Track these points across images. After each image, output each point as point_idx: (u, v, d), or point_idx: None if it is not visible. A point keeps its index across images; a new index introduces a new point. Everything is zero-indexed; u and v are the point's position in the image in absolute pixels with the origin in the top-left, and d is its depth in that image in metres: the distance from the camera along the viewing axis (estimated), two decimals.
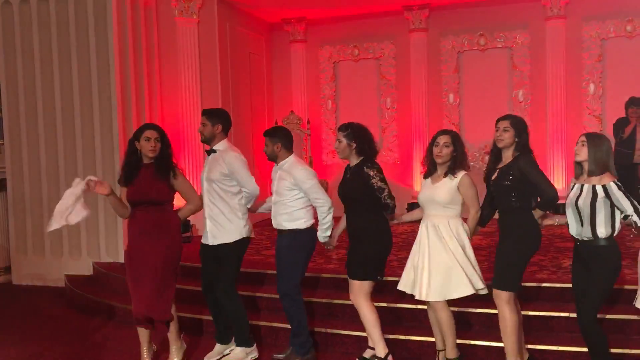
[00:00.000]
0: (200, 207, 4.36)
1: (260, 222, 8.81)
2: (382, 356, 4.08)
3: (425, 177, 4.05)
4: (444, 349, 4.04)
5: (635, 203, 3.50)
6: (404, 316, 4.76)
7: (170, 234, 4.18)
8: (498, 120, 3.86)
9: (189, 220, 4.72)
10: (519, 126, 3.81)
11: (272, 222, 4.40)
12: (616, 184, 3.52)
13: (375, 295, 4.26)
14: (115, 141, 6.98)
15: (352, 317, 4.52)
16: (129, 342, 5.06)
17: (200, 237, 4.58)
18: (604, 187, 3.53)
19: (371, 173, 4.00)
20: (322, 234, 4.31)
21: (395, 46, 9.38)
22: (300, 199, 4.26)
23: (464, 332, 4.36)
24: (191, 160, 8.00)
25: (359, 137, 4.10)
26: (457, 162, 3.90)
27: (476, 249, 4.06)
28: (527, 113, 8.59)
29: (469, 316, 4.56)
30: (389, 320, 4.60)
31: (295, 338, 4.35)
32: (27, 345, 5.17)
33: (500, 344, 3.88)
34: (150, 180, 4.10)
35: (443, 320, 3.92)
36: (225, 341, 4.59)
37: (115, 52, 6.96)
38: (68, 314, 6.18)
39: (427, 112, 9.21)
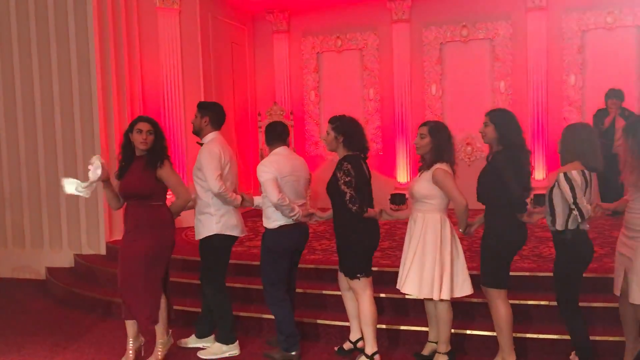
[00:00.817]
0: (188, 200, 4.26)
1: (243, 213, 8.80)
2: (370, 354, 4.02)
3: (420, 170, 4.03)
4: (436, 342, 4.07)
5: (579, 197, 3.51)
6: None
7: (159, 230, 4.12)
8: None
9: None
10: (498, 120, 3.78)
11: None
12: (571, 174, 3.54)
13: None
14: (95, 132, 6.91)
15: (337, 308, 4.53)
16: (110, 334, 5.04)
17: (186, 228, 4.58)
18: (558, 175, 3.60)
19: (338, 175, 3.94)
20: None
21: (378, 37, 9.38)
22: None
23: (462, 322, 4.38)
24: (174, 152, 7.94)
25: (347, 130, 4.04)
26: (435, 154, 3.85)
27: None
28: (509, 104, 8.63)
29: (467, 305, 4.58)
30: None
31: (278, 334, 4.29)
32: (8, 338, 5.12)
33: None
34: (139, 172, 4.08)
35: (439, 315, 3.94)
36: (199, 334, 4.60)
37: (96, 42, 6.87)
38: (49, 307, 6.13)
39: (410, 103, 9.25)
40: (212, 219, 4.29)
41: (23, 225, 7.31)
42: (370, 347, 4.02)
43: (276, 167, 4.16)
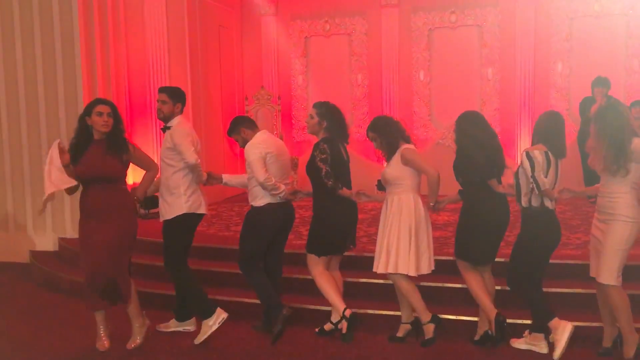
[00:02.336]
0: (157, 171, 4.35)
1: (230, 197, 8.78)
2: (341, 314, 4.20)
3: (386, 159, 4.22)
4: (408, 323, 4.21)
5: (536, 172, 3.72)
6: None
7: (124, 213, 4.12)
8: None
9: (156, 196, 4.64)
10: (459, 121, 4.05)
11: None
12: (533, 153, 3.75)
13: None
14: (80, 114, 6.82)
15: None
16: (93, 318, 5.00)
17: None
18: (522, 154, 3.83)
19: (315, 153, 4.15)
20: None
21: (367, 22, 9.33)
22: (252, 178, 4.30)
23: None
24: (157, 134, 7.89)
25: (331, 117, 4.21)
26: (388, 142, 4.08)
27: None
28: (496, 91, 8.67)
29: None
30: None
31: (263, 306, 4.44)
32: None
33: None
34: (102, 156, 4.02)
35: (399, 288, 4.11)
36: (179, 317, 4.58)
37: (80, 23, 6.76)
38: (33, 290, 6.08)
39: (397, 89, 9.23)
40: (181, 199, 4.34)
41: (6, 209, 7.22)
42: (337, 313, 4.23)
43: (265, 147, 4.30)
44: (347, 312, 4.18)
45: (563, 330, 3.71)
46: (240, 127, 4.43)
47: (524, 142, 8.64)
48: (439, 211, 4.23)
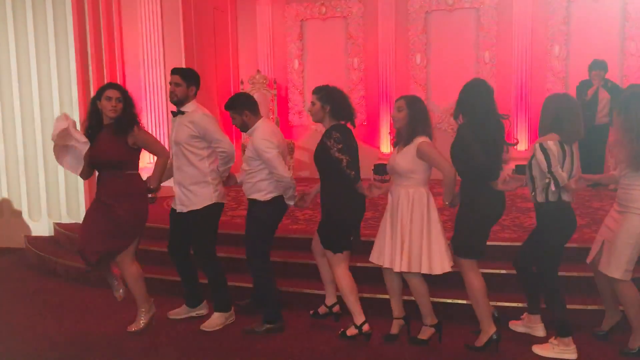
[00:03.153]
0: (168, 157, 4.24)
1: None
2: (358, 324, 4.01)
3: (395, 145, 3.96)
4: (401, 318, 4.06)
5: (553, 166, 3.54)
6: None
7: (133, 199, 4.08)
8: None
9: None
10: (463, 90, 3.79)
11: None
12: (547, 144, 3.56)
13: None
14: (74, 99, 6.79)
15: (319, 277, 4.52)
16: (90, 303, 5.02)
17: (167, 198, 4.52)
18: (534, 146, 3.63)
19: (329, 144, 3.87)
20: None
21: (363, 5, 9.25)
22: (263, 170, 4.12)
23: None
24: (154, 120, 7.84)
25: (333, 99, 3.98)
26: (413, 127, 3.78)
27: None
28: (492, 74, 8.62)
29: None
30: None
31: (264, 307, 4.28)
32: None
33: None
34: (108, 140, 4.01)
35: (417, 289, 3.88)
36: (192, 304, 4.55)
37: (73, 6, 6.68)
38: (28, 275, 6.07)
39: (394, 72, 9.18)
40: (210, 188, 4.23)
41: (1, 194, 7.19)
42: (358, 317, 4.01)
43: (277, 140, 4.15)
44: (366, 328, 3.99)
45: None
46: (245, 109, 4.17)
47: (520, 126, 8.62)
48: (455, 206, 3.90)
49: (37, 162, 6.96)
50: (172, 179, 4.42)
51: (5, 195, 7.18)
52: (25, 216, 7.14)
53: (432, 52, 9.06)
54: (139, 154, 4.16)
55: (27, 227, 7.09)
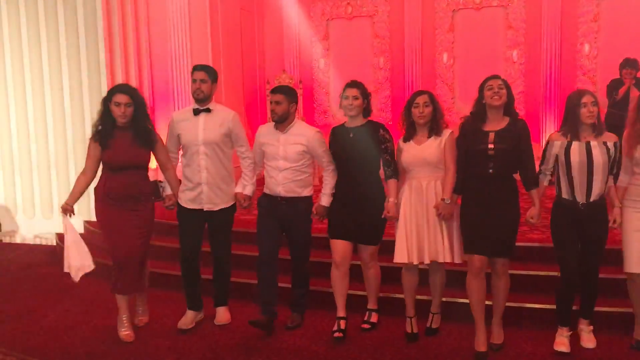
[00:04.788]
0: (174, 168, 4.30)
1: None
2: (375, 308, 4.31)
3: (406, 140, 3.94)
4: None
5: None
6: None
7: (149, 199, 4.18)
8: (489, 79, 3.78)
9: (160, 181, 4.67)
10: (509, 86, 3.79)
11: (273, 189, 4.14)
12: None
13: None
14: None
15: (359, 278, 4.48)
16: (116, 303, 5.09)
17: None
18: (615, 144, 3.63)
19: (387, 137, 3.97)
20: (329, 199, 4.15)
21: (390, 4, 9.21)
22: (310, 165, 4.18)
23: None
24: None
25: (367, 95, 4.06)
26: (438, 121, 3.88)
27: None
28: (521, 73, 8.52)
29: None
30: None
31: (302, 304, 4.42)
32: (19, 302, 5.20)
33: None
34: (129, 145, 4.01)
35: (441, 282, 4.04)
36: (199, 307, 4.51)
37: (103, 9, 6.81)
38: (59, 272, 6.14)
39: (420, 72, 9.12)
40: (233, 185, 4.29)
41: (33, 193, 7.35)
42: (374, 304, 4.30)
43: None
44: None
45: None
46: (295, 102, 4.15)
47: (549, 126, 8.50)
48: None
49: (67, 161, 7.10)
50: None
51: (37, 193, 7.34)
52: (55, 214, 7.28)
53: (458, 50, 8.98)
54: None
55: (58, 225, 7.23)
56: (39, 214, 7.36)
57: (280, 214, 4.16)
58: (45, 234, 7.22)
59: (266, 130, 4.24)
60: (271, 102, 4.09)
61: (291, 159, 4.08)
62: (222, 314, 4.50)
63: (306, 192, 4.18)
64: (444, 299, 4.21)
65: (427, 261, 3.87)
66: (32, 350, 4.17)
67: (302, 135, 4.09)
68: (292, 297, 4.44)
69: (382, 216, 3.97)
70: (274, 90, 4.14)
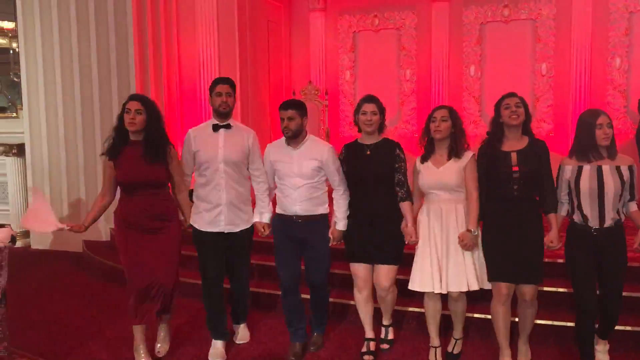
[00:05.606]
0: (187, 190, 4.05)
1: None
2: (390, 323, 4.23)
3: (423, 160, 3.82)
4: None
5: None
6: None
7: (173, 220, 3.87)
8: (505, 97, 3.67)
9: None
10: (526, 104, 3.67)
11: (289, 208, 3.94)
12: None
13: None
14: None
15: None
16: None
17: None
18: (629, 167, 3.46)
19: (402, 156, 3.87)
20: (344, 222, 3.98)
21: (417, 16, 9.19)
22: (324, 182, 3.98)
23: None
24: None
25: (384, 110, 3.94)
26: (457, 140, 3.72)
27: None
28: (550, 87, 8.42)
29: None
30: None
31: (323, 324, 4.32)
32: (46, 309, 5.26)
33: None
34: (139, 160, 3.71)
35: (463, 309, 3.90)
36: (227, 336, 4.27)
37: (134, 19, 6.92)
38: (85, 279, 6.26)
39: (447, 84, 9.06)
40: (250, 206, 4.12)
41: (61, 199, 7.47)
42: (390, 319, 4.21)
43: None
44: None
45: None
46: (306, 115, 3.92)
47: None
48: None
49: (96, 167, 7.19)
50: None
51: (65, 199, 7.45)
52: (83, 220, 7.36)
53: (486, 63, 8.90)
54: None
55: (85, 232, 7.30)
56: (67, 220, 7.46)
57: (297, 235, 3.96)
58: (72, 241, 7.31)
59: (276, 148, 4.02)
60: (283, 119, 3.85)
61: (307, 176, 3.88)
62: (243, 332, 4.45)
63: (322, 209, 3.97)
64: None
65: (446, 291, 3.70)
66: (58, 356, 4.21)
67: (316, 150, 3.91)
68: (313, 318, 4.29)
69: (406, 242, 3.84)
70: (285, 106, 3.87)
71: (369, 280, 3.99)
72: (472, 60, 8.95)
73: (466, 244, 3.61)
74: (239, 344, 4.36)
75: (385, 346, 4.18)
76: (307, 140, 3.96)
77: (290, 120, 3.83)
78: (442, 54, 9.04)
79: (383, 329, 4.24)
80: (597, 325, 3.65)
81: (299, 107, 3.89)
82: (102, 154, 3.86)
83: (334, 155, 3.95)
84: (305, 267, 4.07)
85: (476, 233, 3.63)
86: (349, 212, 3.96)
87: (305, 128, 3.95)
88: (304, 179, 3.89)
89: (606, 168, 3.42)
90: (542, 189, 3.57)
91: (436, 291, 3.70)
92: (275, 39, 9.40)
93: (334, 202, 4.01)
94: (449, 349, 4.02)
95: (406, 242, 3.84)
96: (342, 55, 9.69)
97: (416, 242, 3.79)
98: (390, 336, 4.24)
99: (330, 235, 3.99)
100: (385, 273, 3.89)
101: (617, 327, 3.76)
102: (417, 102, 9.29)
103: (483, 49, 8.89)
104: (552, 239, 3.55)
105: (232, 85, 4.01)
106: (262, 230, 4.07)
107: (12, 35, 9.50)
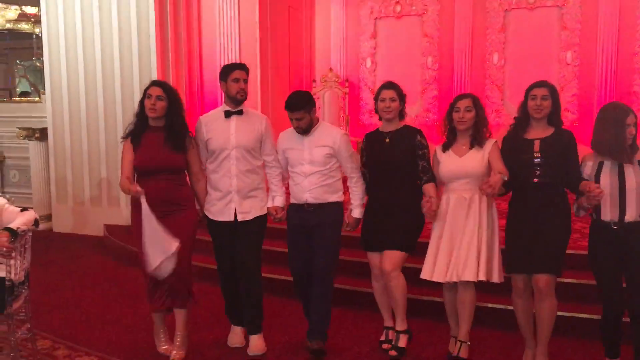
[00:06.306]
0: (205, 180, 3.97)
1: None
2: (403, 329, 3.90)
3: (445, 149, 3.76)
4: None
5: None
6: None
7: (189, 205, 3.82)
8: (534, 86, 3.57)
9: None
10: (555, 94, 3.57)
11: (300, 196, 3.87)
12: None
13: None
14: None
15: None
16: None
17: None
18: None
19: (424, 143, 3.81)
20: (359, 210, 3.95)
21: (440, 3, 9.05)
22: (338, 169, 3.89)
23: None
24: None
25: (403, 97, 3.88)
26: (480, 129, 3.68)
27: None
28: (575, 75, 8.25)
29: None
30: None
31: (324, 324, 3.92)
32: (67, 291, 5.33)
33: None
34: (159, 146, 3.68)
35: (471, 301, 3.70)
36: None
37: (155, 3, 6.92)
38: (106, 263, 6.33)
39: (469, 72, 8.93)
40: (265, 193, 4.01)
41: (83, 183, 7.54)
42: (403, 323, 3.90)
43: None
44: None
45: None
46: (313, 106, 3.80)
47: None
48: None
49: (117, 151, 7.22)
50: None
51: (87, 184, 7.53)
52: (104, 204, 7.44)
53: (510, 51, 8.74)
54: None
55: (106, 216, 7.39)
56: (88, 206, 7.54)
57: (308, 223, 3.85)
58: (93, 225, 7.39)
59: (288, 136, 3.94)
60: (292, 119, 3.78)
61: (318, 163, 3.80)
62: (257, 343, 4.02)
63: (335, 197, 3.87)
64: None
65: (454, 279, 3.60)
66: (78, 339, 4.26)
67: (328, 136, 3.81)
68: (311, 315, 3.96)
69: (423, 212, 3.69)
70: (291, 108, 3.75)
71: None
72: (495, 48, 8.79)
73: (492, 185, 3.39)
74: (255, 355, 3.98)
75: (393, 353, 3.86)
76: (319, 127, 3.88)
77: (300, 120, 3.77)
78: (464, 41, 8.90)
79: (395, 334, 3.94)
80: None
81: (305, 105, 3.76)
82: (123, 138, 3.83)
83: (347, 141, 3.88)
84: (313, 254, 3.88)
85: (505, 178, 3.48)
86: (364, 200, 3.93)
87: (315, 118, 3.87)
88: (315, 166, 3.82)
89: (628, 163, 3.32)
90: (568, 175, 3.48)
91: (438, 280, 3.65)
92: (296, 25, 9.33)
93: (349, 190, 3.97)
94: (455, 352, 3.78)
95: (423, 212, 3.68)
96: (363, 43, 9.59)
97: (434, 215, 3.67)
98: (402, 344, 3.88)
99: (345, 220, 3.97)
100: (388, 256, 3.79)
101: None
102: (439, 90, 9.17)
103: (507, 36, 8.73)
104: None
105: (248, 71, 3.93)
106: (274, 213, 3.96)
107: (35, 20, 9.61)
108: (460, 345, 3.76)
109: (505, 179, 3.49)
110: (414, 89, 8.89)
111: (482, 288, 3.79)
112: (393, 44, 9.43)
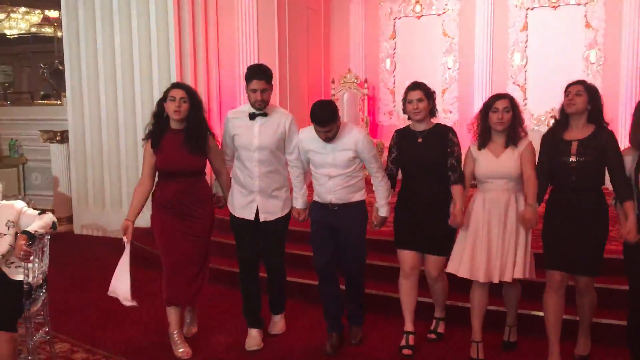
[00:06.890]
0: (228, 175, 4.10)
1: None
2: (443, 316, 4.23)
3: (480, 147, 3.74)
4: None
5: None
6: None
7: (208, 207, 3.96)
8: (571, 84, 3.58)
9: None
10: (593, 91, 3.55)
11: (324, 196, 3.89)
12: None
13: None
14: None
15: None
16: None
17: None
18: None
19: (456, 141, 3.80)
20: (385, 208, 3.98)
21: (460, 2, 8.95)
22: (361, 169, 3.92)
23: None
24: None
25: (432, 95, 3.87)
26: (516, 128, 3.68)
27: None
28: (599, 75, 8.08)
29: None
30: None
31: (360, 313, 4.19)
32: (86, 293, 5.36)
33: None
34: (179, 149, 3.77)
35: (517, 295, 3.91)
36: (262, 324, 4.27)
37: (174, 6, 6.94)
38: None
39: (490, 72, 8.81)
40: (288, 193, 4.09)
41: (103, 186, 7.58)
42: (442, 312, 4.21)
43: None
44: None
45: None
46: (338, 114, 3.77)
47: (627, 129, 8.02)
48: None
49: (137, 154, 7.26)
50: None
51: (107, 186, 7.57)
52: (124, 206, 7.47)
53: (532, 51, 8.60)
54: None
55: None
56: (108, 208, 7.58)
57: (333, 222, 3.91)
58: (113, 227, 7.43)
59: (310, 136, 3.88)
60: (319, 132, 3.74)
61: (341, 166, 3.81)
62: (278, 323, 4.36)
63: (358, 196, 3.90)
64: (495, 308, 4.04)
65: (495, 281, 3.66)
66: (97, 341, 4.27)
67: (350, 141, 3.79)
68: (349, 309, 4.19)
69: (449, 222, 3.75)
70: (320, 123, 3.70)
71: (416, 267, 3.94)
72: (517, 47, 8.67)
73: (529, 219, 3.53)
74: (275, 335, 4.32)
75: (432, 336, 4.18)
76: (341, 130, 3.84)
77: (328, 132, 3.74)
78: (485, 41, 8.77)
79: (434, 321, 4.23)
80: None
81: (332, 116, 3.70)
82: (144, 139, 3.93)
83: (369, 142, 3.88)
84: (341, 256, 3.97)
85: (536, 206, 3.55)
86: (390, 198, 3.95)
87: (339, 123, 3.83)
88: (338, 169, 3.82)
89: None
90: (612, 178, 3.47)
91: (480, 280, 3.66)
92: (315, 26, 9.30)
93: (374, 189, 3.97)
94: (505, 337, 4.02)
95: (449, 223, 3.75)
96: (382, 43, 9.53)
97: (460, 226, 3.73)
98: (441, 329, 4.21)
99: (373, 220, 4.00)
100: (433, 262, 3.90)
101: (610, 322, 3.88)
102: (459, 90, 9.07)
103: (529, 35, 8.60)
104: (630, 229, 3.34)
105: (268, 79, 3.89)
106: (297, 216, 4.08)
107: (57, 24, 9.70)
108: (510, 329, 4.00)
109: (536, 207, 3.55)
110: (434, 90, 8.79)
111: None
112: (412, 44, 9.35)
